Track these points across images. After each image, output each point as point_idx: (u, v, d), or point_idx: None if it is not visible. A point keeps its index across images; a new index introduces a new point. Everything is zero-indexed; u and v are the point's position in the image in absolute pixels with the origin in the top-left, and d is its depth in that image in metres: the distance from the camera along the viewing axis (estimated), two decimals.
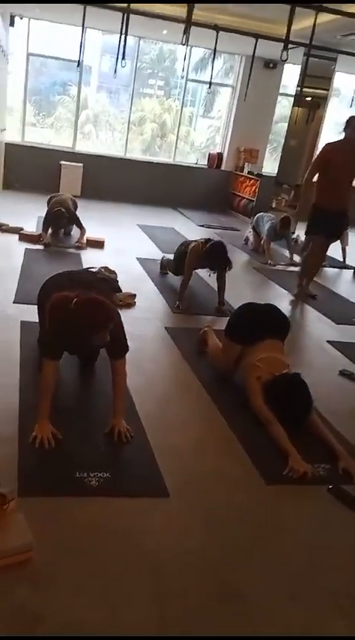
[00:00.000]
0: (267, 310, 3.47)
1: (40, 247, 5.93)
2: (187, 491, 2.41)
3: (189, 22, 6.11)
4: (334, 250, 7.52)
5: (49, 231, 6.21)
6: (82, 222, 6.34)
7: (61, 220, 6.22)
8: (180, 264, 4.98)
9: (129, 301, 4.62)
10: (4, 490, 2.01)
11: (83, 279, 3.03)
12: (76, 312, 2.42)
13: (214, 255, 4.67)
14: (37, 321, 3.24)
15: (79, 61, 7.19)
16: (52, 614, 1.73)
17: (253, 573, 2.03)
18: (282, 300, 5.47)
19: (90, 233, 6.45)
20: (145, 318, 4.42)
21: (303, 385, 2.96)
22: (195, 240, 4.96)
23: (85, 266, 5.21)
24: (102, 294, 2.69)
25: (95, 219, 7.48)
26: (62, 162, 9.42)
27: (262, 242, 7.17)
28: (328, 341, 4.50)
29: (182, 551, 2.07)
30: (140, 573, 1.94)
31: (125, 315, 4.36)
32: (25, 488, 2.22)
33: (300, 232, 8.20)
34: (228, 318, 4.50)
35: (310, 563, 2.13)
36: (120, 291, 4.71)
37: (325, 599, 1.97)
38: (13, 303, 4.21)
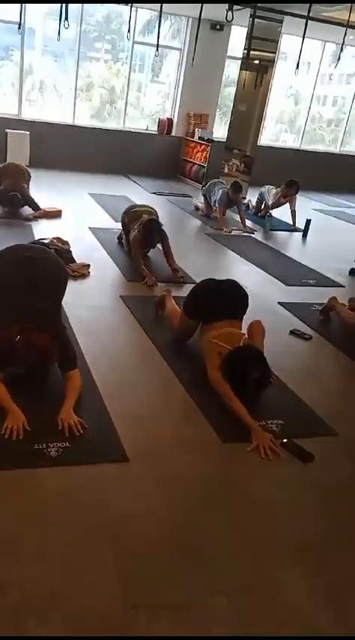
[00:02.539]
0: (226, 289, 3.37)
1: None
2: (146, 455, 2.46)
3: None
4: (283, 213, 7.65)
5: None
6: (36, 202, 6.17)
7: (16, 207, 6.05)
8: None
9: (83, 271, 4.58)
10: None
11: (30, 277, 2.95)
12: (19, 350, 2.63)
13: (152, 230, 4.83)
14: None
15: (19, 23, 6.88)
16: (17, 583, 1.75)
17: (213, 531, 2.10)
18: (236, 264, 5.54)
19: (43, 204, 6.31)
20: (100, 287, 4.40)
21: (257, 356, 2.91)
22: (138, 222, 4.96)
23: (36, 237, 5.11)
24: (41, 316, 2.76)
25: (45, 189, 7.29)
26: (8, 130, 9.10)
27: (214, 209, 7.17)
28: (279, 302, 4.60)
29: (142, 515, 2.12)
30: (101, 538, 1.98)
31: (80, 286, 4.37)
32: None
33: (252, 198, 8.30)
34: (182, 283, 4.59)
35: (267, 516, 2.22)
36: (74, 261, 4.66)
37: (283, 548, 2.07)
38: None
